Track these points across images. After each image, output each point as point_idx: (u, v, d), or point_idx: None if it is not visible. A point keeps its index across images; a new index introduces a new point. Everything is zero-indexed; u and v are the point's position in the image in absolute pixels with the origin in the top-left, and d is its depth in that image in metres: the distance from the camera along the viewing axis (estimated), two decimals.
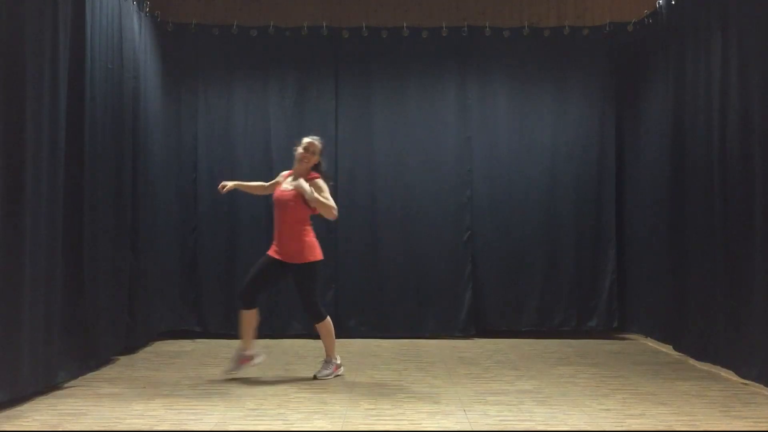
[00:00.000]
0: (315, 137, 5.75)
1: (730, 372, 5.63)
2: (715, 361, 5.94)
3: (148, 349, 6.87)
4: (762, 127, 5.26)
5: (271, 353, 6.66)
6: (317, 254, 5.59)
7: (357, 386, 5.30)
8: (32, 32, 4.79)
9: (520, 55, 7.87)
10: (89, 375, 5.56)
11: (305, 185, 5.47)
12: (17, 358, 4.59)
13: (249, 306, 5.59)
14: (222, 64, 7.85)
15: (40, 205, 4.85)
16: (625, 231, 7.88)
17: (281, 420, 4.34)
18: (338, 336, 7.50)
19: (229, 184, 5.87)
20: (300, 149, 5.66)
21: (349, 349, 6.99)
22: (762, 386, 5.16)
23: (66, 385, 5.19)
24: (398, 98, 7.88)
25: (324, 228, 7.74)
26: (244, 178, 7.77)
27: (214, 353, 6.68)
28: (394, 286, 7.74)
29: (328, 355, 5.67)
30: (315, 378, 5.55)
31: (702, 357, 6.14)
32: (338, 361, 5.70)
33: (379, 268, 7.73)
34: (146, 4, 7.09)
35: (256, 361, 5.69)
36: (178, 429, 4.17)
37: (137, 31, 6.77)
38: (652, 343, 7.25)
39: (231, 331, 7.57)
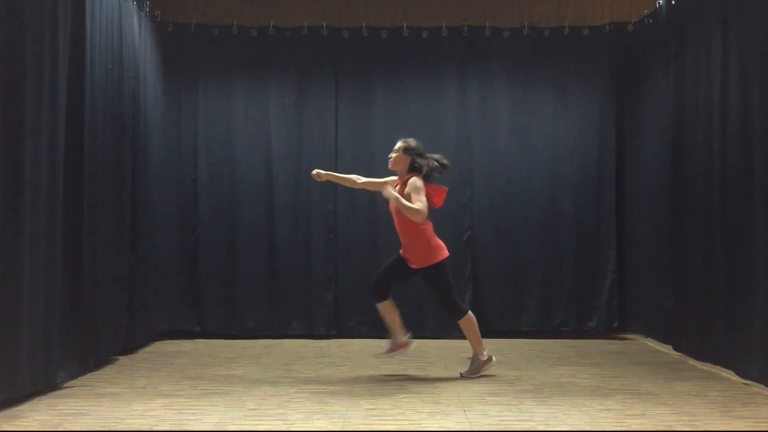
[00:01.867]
0: (403, 139, 5.72)
1: (731, 372, 5.62)
2: (715, 361, 5.94)
3: (148, 349, 6.87)
4: (762, 127, 5.26)
5: (271, 353, 6.67)
6: (441, 253, 5.56)
7: (357, 386, 5.30)
8: (32, 32, 4.79)
9: (520, 55, 7.87)
10: (89, 375, 5.56)
11: (389, 191, 5.45)
12: (17, 358, 4.59)
13: (380, 299, 5.63)
14: (222, 64, 7.85)
15: (39, 205, 4.84)
16: (625, 231, 7.88)
17: (281, 420, 4.34)
18: (338, 336, 7.57)
19: (323, 173, 5.84)
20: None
21: (349, 349, 7.00)
22: (762, 386, 5.15)
23: (66, 385, 5.19)
24: (398, 98, 7.88)
25: (324, 228, 7.78)
26: (244, 178, 7.82)
27: (214, 353, 6.68)
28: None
29: (474, 353, 5.63)
30: (461, 376, 5.54)
31: (702, 357, 6.13)
32: (485, 357, 5.62)
33: (379, 268, 7.70)
34: (146, 4, 7.09)
35: (410, 348, 5.71)
36: (178, 429, 4.17)
37: (137, 31, 6.77)
38: (652, 343, 7.25)
39: (231, 331, 7.60)
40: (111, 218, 6.08)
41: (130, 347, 6.53)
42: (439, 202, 5.70)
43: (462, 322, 5.61)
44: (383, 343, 6.93)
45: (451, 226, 7.75)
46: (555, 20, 8.00)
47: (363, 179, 5.97)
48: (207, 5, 8.02)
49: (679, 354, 6.54)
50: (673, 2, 6.82)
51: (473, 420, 4.34)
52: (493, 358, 5.70)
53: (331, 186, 7.72)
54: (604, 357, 6.55)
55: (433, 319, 7.67)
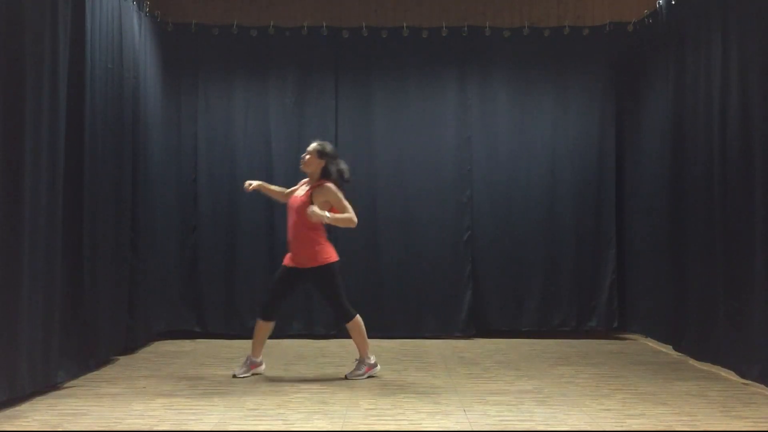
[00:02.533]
0: (319, 141, 5.70)
1: (730, 372, 5.63)
2: (715, 361, 5.94)
3: (148, 349, 6.87)
4: (762, 127, 5.26)
5: (271, 353, 6.67)
6: (331, 256, 5.57)
7: (357, 386, 5.30)
8: (32, 32, 4.78)
9: (520, 55, 7.87)
10: (89, 375, 5.56)
11: (317, 213, 5.37)
12: (17, 358, 4.59)
13: (269, 319, 5.66)
14: (222, 64, 7.84)
15: (39, 205, 4.85)
16: (625, 231, 7.88)
17: (281, 420, 4.34)
18: (338, 336, 7.56)
19: (254, 183, 5.83)
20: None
21: (349, 349, 6.98)
22: (762, 386, 5.16)
23: (66, 385, 5.19)
24: (398, 98, 7.88)
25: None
26: (244, 178, 7.74)
27: (214, 353, 6.68)
28: (394, 286, 7.74)
29: (360, 355, 5.64)
30: (346, 378, 5.55)
31: (702, 357, 6.13)
32: (372, 361, 5.65)
33: (379, 268, 7.73)
34: (146, 4, 7.09)
35: (261, 369, 5.72)
36: (178, 429, 4.17)
37: (137, 31, 6.77)
38: (652, 343, 7.25)
39: (231, 331, 7.59)
40: (111, 218, 6.08)
41: (130, 347, 6.53)
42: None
43: (350, 326, 5.61)
44: (383, 344, 6.93)
45: (451, 226, 7.76)
46: (555, 20, 8.00)
47: (288, 190, 5.88)
48: (207, 5, 8.01)
49: (679, 354, 6.54)
50: (673, 2, 6.82)
51: (473, 420, 4.34)
52: (378, 365, 5.69)
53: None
54: (604, 357, 6.55)
55: (433, 319, 7.68)
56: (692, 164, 6.36)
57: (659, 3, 7.14)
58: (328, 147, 5.67)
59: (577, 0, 8.07)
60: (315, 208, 5.38)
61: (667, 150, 6.87)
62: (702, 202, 6.15)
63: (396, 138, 7.83)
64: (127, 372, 5.77)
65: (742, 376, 5.42)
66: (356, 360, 5.67)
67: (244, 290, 7.68)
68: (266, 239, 7.73)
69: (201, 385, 5.31)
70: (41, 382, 4.89)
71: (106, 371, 5.78)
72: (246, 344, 7.13)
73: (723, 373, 5.70)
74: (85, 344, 5.59)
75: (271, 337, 7.39)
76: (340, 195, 5.53)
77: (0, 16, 4.53)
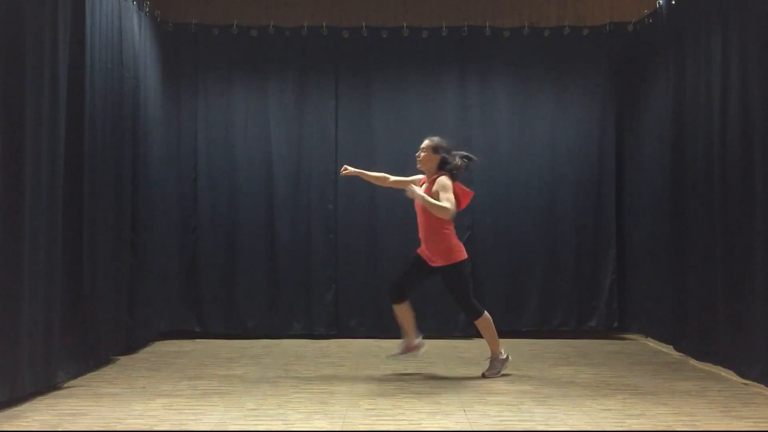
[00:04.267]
0: (430, 137, 5.72)
1: (731, 372, 5.62)
2: (715, 361, 5.94)
3: (148, 349, 6.87)
4: (762, 127, 5.26)
5: (271, 353, 6.67)
6: (461, 254, 5.59)
7: (357, 386, 5.30)
8: (32, 32, 4.78)
9: (520, 55, 7.86)
10: (89, 375, 5.56)
11: (413, 190, 5.44)
12: (17, 358, 4.59)
13: (398, 300, 5.64)
14: (222, 64, 7.84)
15: (39, 205, 4.84)
16: (625, 231, 7.88)
17: (281, 420, 4.34)
18: (338, 336, 7.57)
19: (351, 169, 5.88)
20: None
21: (349, 349, 7.00)
22: (762, 386, 5.15)
23: (66, 385, 5.19)
24: (398, 98, 7.88)
25: (324, 228, 7.78)
26: (244, 177, 7.81)
27: (214, 353, 6.68)
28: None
29: (493, 352, 5.65)
30: (483, 377, 5.55)
31: (702, 357, 6.13)
32: (504, 356, 5.65)
33: (379, 268, 7.72)
34: (146, 4, 7.09)
35: (422, 350, 5.74)
36: (178, 429, 4.17)
37: (137, 31, 6.77)
38: (652, 343, 7.25)
39: (231, 331, 7.59)
40: (111, 218, 6.08)
41: (130, 347, 6.53)
42: (464, 204, 5.74)
43: (479, 323, 5.64)
44: (383, 344, 6.93)
45: None
46: (555, 20, 8.00)
47: (393, 177, 6.02)
48: (207, 5, 8.01)
49: (680, 354, 6.54)
50: (673, 2, 6.82)
51: (473, 420, 4.34)
52: (510, 357, 5.73)
53: (331, 186, 7.74)
54: (604, 357, 6.55)
55: (433, 319, 7.67)
56: (692, 164, 6.36)
57: (659, 3, 7.14)
58: (441, 140, 5.70)
59: (577, 0, 8.07)
60: (413, 186, 5.47)
61: (667, 150, 6.87)
62: (702, 202, 6.15)
63: (396, 138, 7.82)
64: (127, 372, 5.77)
65: (742, 376, 5.42)
66: (488, 359, 5.68)
67: (244, 290, 7.68)
68: (266, 239, 7.74)
69: (201, 385, 5.31)
70: (41, 382, 4.88)
71: (106, 371, 5.78)
72: (246, 344, 7.16)
73: (723, 373, 5.70)
74: (85, 344, 5.59)
75: (271, 337, 7.45)
76: (449, 185, 5.50)
77: (0, 16, 4.53)
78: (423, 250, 5.66)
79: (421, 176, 5.81)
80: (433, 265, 5.59)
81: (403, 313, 5.70)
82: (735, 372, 5.55)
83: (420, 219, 5.63)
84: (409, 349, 5.77)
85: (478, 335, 7.57)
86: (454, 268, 5.55)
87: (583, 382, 5.43)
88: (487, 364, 5.68)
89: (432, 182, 5.58)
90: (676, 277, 6.64)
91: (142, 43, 6.90)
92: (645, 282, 7.47)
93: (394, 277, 5.79)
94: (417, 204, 5.60)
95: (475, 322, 5.67)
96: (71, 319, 5.42)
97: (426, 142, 5.69)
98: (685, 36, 6.56)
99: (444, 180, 5.52)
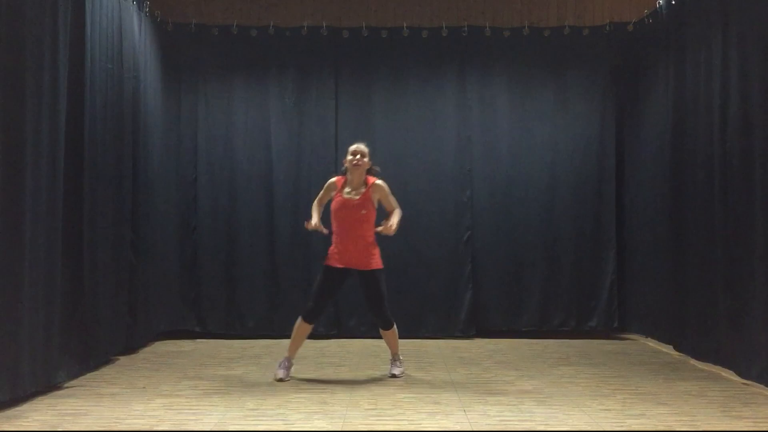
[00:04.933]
0: (360, 143, 5.72)
1: (731, 372, 5.63)
2: (715, 362, 5.94)
3: (148, 349, 6.86)
4: (762, 127, 5.26)
5: (271, 353, 6.67)
6: (381, 261, 5.64)
7: (357, 386, 5.30)
8: (32, 32, 4.78)
9: (520, 55, 7.87)
10: (89, 375, 5.56)
11: (392, 227, 5.55)
12: (17, 358, 4.59)
13: (312, 322, 5.65)
14: (222, 64, 7.85)
15: (39, 205, 4.84)
16: (625, 231, 7.88)
17: (281, 420, 4.34)
18: (338, 336, 7.57)
19: (313, 220, 5.67)
20: (349, 156, 5.61)
21: (349, 349, 7.00)
22: (762, 386, 5.15)
23: (66, 385, 5.19)
24: (398, 98, 7.89)
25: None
26: (244, 177, 7.81)
27: (214, 353, 6.68)
28: (394, 286, 7.69)
29: (393, 354, 5.76)
30: (394, 376, 5.60)
31: (702, 357, 6.14)
32: (401, 357, 5.81)
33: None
34: (146, 4, 7.09)
35: (292, 370, 5.67)
36: (178, 429, 4.17)
37: (137, 31, 6.77)
38: (652, 343, 7.25)
39: (231, 331, 7.60)
40: (111, 219, 6.08)
41: (130, 347, 6.53)
42: None
43: (388, 333, 5.71)
44: (383, 344, 6.94)
45: (451, 226, 7.76)
46: (555, 20, 8.00)
47: (318, 197, 5.81)
48: (207, 5, 8.01)
49: (680, 354, 6.54)
50: (673, 2, 6.82)
51: (473, 420, 4.34)
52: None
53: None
54: (604, 357, 6.55)
55: (433, 319, 7.68)
56: (692, 164, 6.36)
57: (659, 3, 7.14)
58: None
59: (577, 0, 8.08)
60: (392, 224, 5.54)
61: (667, 150, 6.87)
62: (702, 202, 6.15)
63: (396, 138, 7.83)
64: (127, 372, 5.77)
65: (742, 376, 5.42)
66: (391, 360, 5.77)
67: (244, 290, 7.68)
68: (266, 239, 7.74)
69: (201, 385, 5.31)
70: (42, 382, 4.88)
71: (106, 371, 5.78)
72: (246, 344, 7.16)
73: (723, 373, 5.70)
74: (85, 344, 5.59)
75: (271, 337, 7.45)
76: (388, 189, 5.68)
77: (0, 16, 4.53)
78: (344, 259, 5.55)
79: (333, 179, 5.74)
80: (356, 269, 5.55)
81: (306, 333, 5.68)
82: (735, 372, 5.55)
83: (356, 228, 5.55)
84: (289, 367, 5.60)
85: (479, 335, 7.64)
86: (378, 273, 5.57)
87: (583, 382, 5.43)
88: (390, 365, 5.73)
89: (369, 189, 5.58)
90: (676, 277, 6.64)
91: (142, 42, 6.90)
92: (645, 282, 7.47)
93: (313, 300, 5.59)
94: (348, 210, 5.54)
95: (386, 332, 5.70)
96: (71, 319, 5.42)
97: (363, 148, 5.64)
98: (685, 36, 6.56)
99: (385, 185, 5.64)
